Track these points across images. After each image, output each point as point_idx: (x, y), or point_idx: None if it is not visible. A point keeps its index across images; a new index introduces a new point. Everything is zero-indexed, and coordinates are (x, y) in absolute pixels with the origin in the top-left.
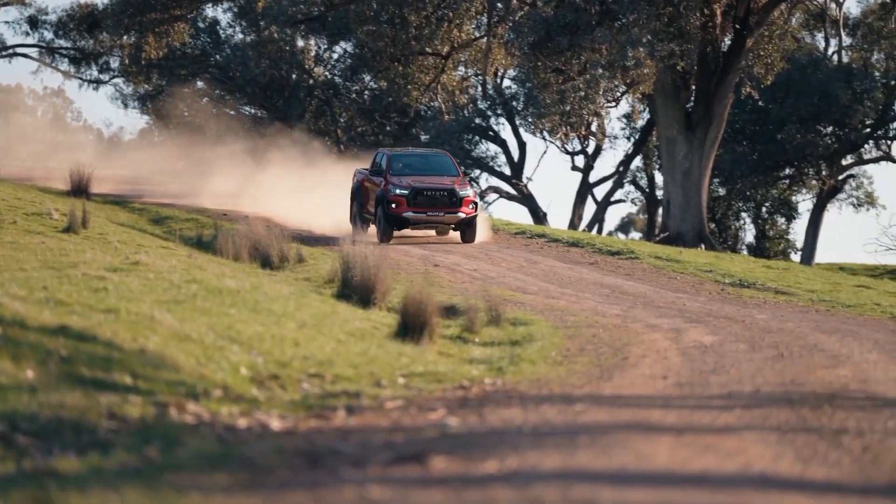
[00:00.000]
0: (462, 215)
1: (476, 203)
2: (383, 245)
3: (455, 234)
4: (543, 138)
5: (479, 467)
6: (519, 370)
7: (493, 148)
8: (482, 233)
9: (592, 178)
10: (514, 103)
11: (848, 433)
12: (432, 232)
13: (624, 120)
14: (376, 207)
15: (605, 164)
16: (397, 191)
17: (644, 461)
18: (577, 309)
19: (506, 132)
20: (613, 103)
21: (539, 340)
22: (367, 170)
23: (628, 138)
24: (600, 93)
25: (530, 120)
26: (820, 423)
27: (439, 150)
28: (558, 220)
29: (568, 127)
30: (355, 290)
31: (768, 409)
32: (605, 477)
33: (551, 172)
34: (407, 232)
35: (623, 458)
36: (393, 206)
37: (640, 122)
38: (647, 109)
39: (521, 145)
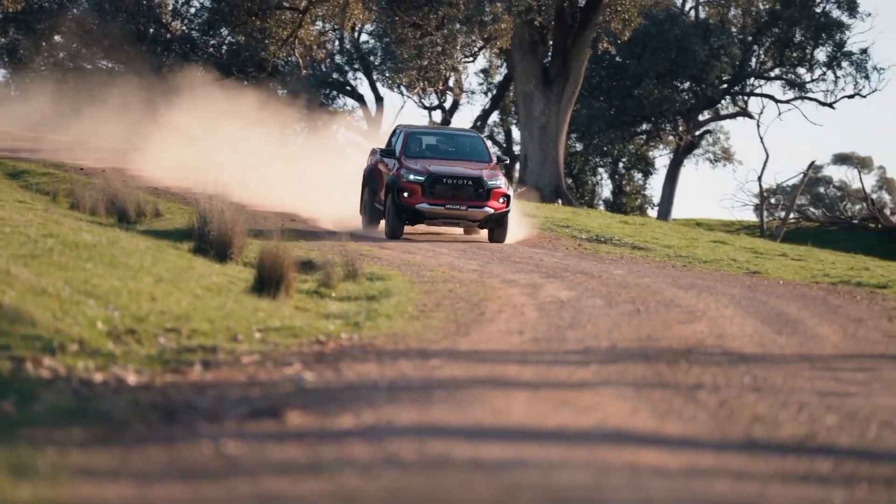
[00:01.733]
0: (490, 210)
1: (508, 197)
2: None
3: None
4: (401, 93)
5: (334, 422)
6: (375, 325)
7: (350, 103)
8: (520, 231)
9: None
10: (372, 58)
11: (704, 388)
12: (457, 230)
13: (481, 75)
14: (386, 196)
15: (463, 119)
16: (411, 176)
17: (500, 416)
18: (434, 264)
19: (363, 87)
20: (471, 58)
21: (396, 295)
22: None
23: (485, 93)
24: (458, 48)
25: (388, 75)
26: (676, 379)
27: (469, 131)
28: None
29: (425, 82)
30: (212, 244)
31: (625, 364)
32: (460, 432)
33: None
34: (421, 228)
35: (479, 414)
36: (405, 194)
37: (498, 78)
38: (505, 65)
39: (379, 100)
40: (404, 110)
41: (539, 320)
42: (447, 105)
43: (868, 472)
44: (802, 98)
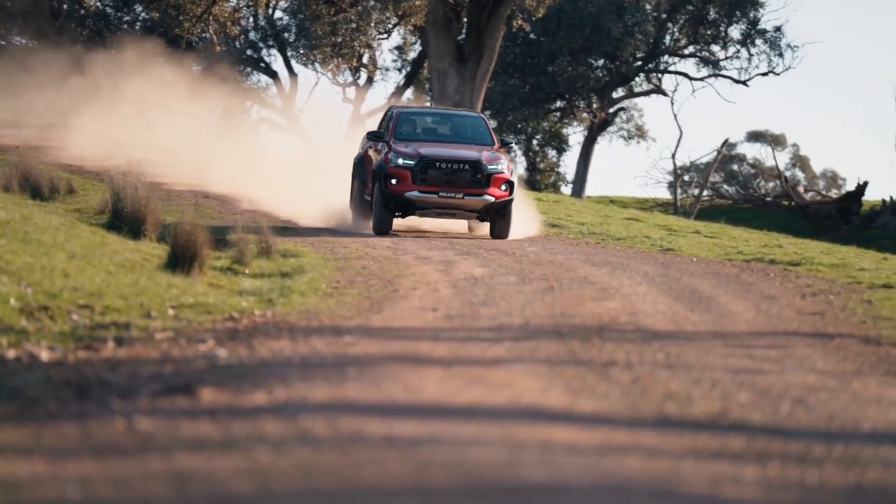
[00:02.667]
0: (490, 199)
1: (511, 183)
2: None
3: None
4: (315, 70)
5: (247, 399)
6: (289, 302)
7: (264, 79)
8: (526, 226)
9: (364, 109)
10: (286, 35)
11: (617, 366)
12: (460, 223)
13: (395, 52)
14: (373, 184)
15: (377, 96)
16: (399, 161)
17: (413, 393)
18: (348, 241)
19: (277, 64)
20: (385, 35)
21: (309, 272)
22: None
23: (399, 70)
24: (372, 24)
25: (302, 52)
26: (589, 356)
27: (470, 111)
28: (333, 151)
29: (339, 59)
30: (126, 221)
31: (538, 341)
32: (374, 409)
33: (323, 104)
34: (413, 222)
35: (392, 390)
36: (392, 181)
37: (412, 55)
38: (419, 41)
39: (293, 77)
40: (318, 87)
41: (453, 297)
42: (361, 82)
43: (780, 449)
44: (716, 76)
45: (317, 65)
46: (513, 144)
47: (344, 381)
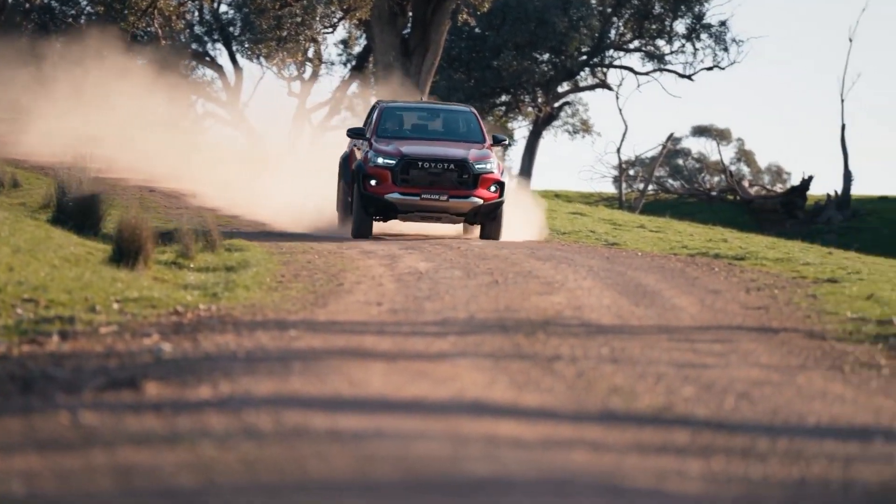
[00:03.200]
0: (477, 201)
1: (501, 184)
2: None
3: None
4: (260, 64)
5: (192, 393)
6: (234, 296)
7: (209, 73)
8: (526, 230)
9: (309, 104)
10: (231, 29)
11: (562, 360)
12: (454, 227)
13: (341, 46)
14: (352, 186)
15: (323, 91)
16: (379, 160)
17: (357, 387)
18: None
19: (222, 58)
20: (330, 29)
21: (254, 266)
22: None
23: (345, 64)
24: (317, 19)
25: (247, 46)
26: (534, 350)
27: (462, 105)
28: (278, 145)
29: (284, 53)
30: (70, 215)
31: (483, 335)
32: (318, 403)
33: (268, 98)
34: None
35: (336, 385)
36: (371, 182)
37: (357, 49)
38: (364, 36)
39: (238, 71)
40: (263, 81)
41: (397, 291)
42: (306, 76)
43: (725, 444)
44: (661, 70)
45: (262, 59)
46: (507, 141)
47: (288, 375)
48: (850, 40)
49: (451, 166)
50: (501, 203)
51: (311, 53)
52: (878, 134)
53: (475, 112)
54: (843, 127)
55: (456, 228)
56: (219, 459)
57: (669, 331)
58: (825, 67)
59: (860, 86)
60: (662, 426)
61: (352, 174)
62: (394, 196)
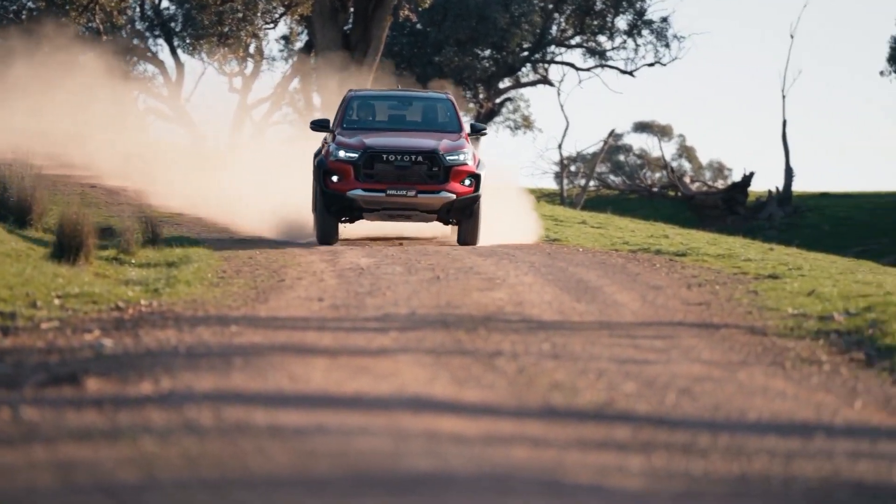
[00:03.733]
0: (449, 196)
1: (477, 177)
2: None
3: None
4: (202, 60)
5: (133, 388)
6: (175, 291)
7: (151, 69)
8: (516, 231)
9: (250, 99)
10: (173, 24)
11: (503, 356)
12: (442, 230)
13: (282, 42)
14: (314, 183)
15: (264, 86)
16: (341, 153)
17: (298, 383)
18: (234, 231)
19: (164, 53)
20: (272, 25)
21: (196, 262)
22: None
23: (286, 60)
24: (258, 14)
25: (189, 41)
26: (475, 346)
27: (438, 93)
28: (219, 140)
29: (226, 48)
30: (11, 210)
31: (424, 331)
32: (259, 398)
33: (210, 94)
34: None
35: (278, 380)
36: (333, 178)
37: (299, 44)
38: (306, 31)
39: (180, 67)
40: (205, 77)
41: (338, 287)
42: (248, 71)
43: (666, 440)
44: (603, 66)
45: (203, 54)
46: (486, 130)
47: (230, 371)
48: (792, 36)
49: (420, 158)
50: (477, 198)
51: (252, 49)
52: (819, 130)
53: (452, 99)
54: (785, 123)
55: (442, 231)
56: (160, 455)
57: (611, 327)
58: (766, 64)
59: (801, 82)
60: (603, 422)
61: (314, 170)
62: (356, 193)
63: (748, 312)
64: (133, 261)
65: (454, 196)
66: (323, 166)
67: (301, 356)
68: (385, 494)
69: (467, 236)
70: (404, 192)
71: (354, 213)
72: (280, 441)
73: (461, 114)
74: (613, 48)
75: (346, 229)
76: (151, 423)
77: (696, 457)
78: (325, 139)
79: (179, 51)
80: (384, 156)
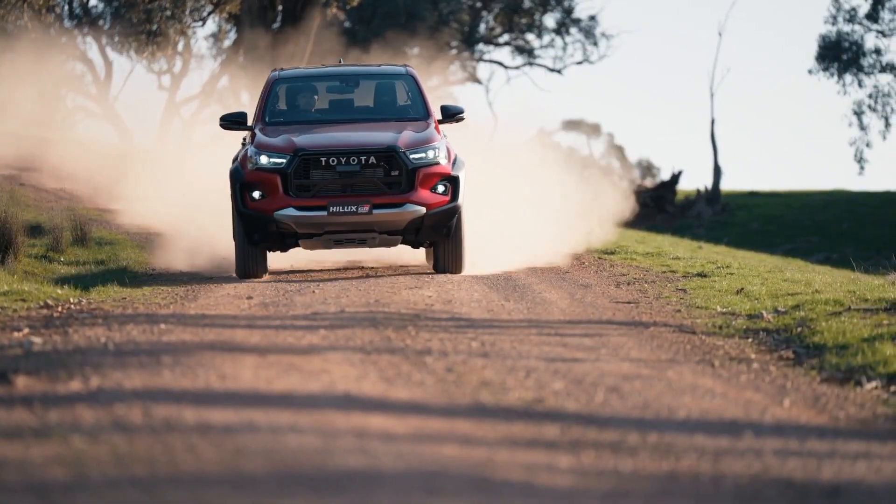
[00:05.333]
0: (417, 210)
1: (454, 180)
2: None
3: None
4: (130, 58)
5: (62, 386)
6: (104, 289)
7: (79, 67)
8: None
9: (179, 97)
10: (101, 22)
11: (432, 354)
12: (413, 256)
13: (211, 39)
14: (232, 201)
15: (193, 84)
16: (262, 160)
17: (228, 381)
18: (164, 228)
19: (92, 51)
20: (200, 22)
21: (125, 260)
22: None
23: (215, 58)
24: (187, 12)
25: (117, 39)
26: (404, 344)
27: (393, 65)
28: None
29: (154, 46)
30: None
31: (353, 329)
32: (189, 396)
33: (138, 92)
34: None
35: (207, 378)
36: (254, 195)
37: (227, 42)
38: (235, 29)
39: (108, 64)
40: (133, 75)
41: (267, 285)
42: (176, 69)
43: (595, 438)
44: (531, 64)
45: (132, 52)
46: (463, 114)
47: (159, 369)
48: (720, 35)
49: (373, 160)
50: (456, 210)
51: (180, 47)
52: (748, 129)
53: (414, 74)
54: (713, 122)
55: (414, 255)
56: (90, 453)
57: (539, 325)
58: (695, 62)
59: (730, 81)
60: (532, 420)
61: (230, 183)
62: (287, 213)
63: (677, 311)
64: (62, 258)
65: (423, 210)
66: (239, 178)
67: (230, 354)
68: (314, 492)
69: (447, 261)
70: (354, 209)
71: (286, 240)
72: (209, 439)
73: (427, 95)
74: (542, 46)
75: (281, 257)
76: (81, 422)
77: (624, 455)
78: (244, 140)
79: (108, 48)
80: (322, 159)
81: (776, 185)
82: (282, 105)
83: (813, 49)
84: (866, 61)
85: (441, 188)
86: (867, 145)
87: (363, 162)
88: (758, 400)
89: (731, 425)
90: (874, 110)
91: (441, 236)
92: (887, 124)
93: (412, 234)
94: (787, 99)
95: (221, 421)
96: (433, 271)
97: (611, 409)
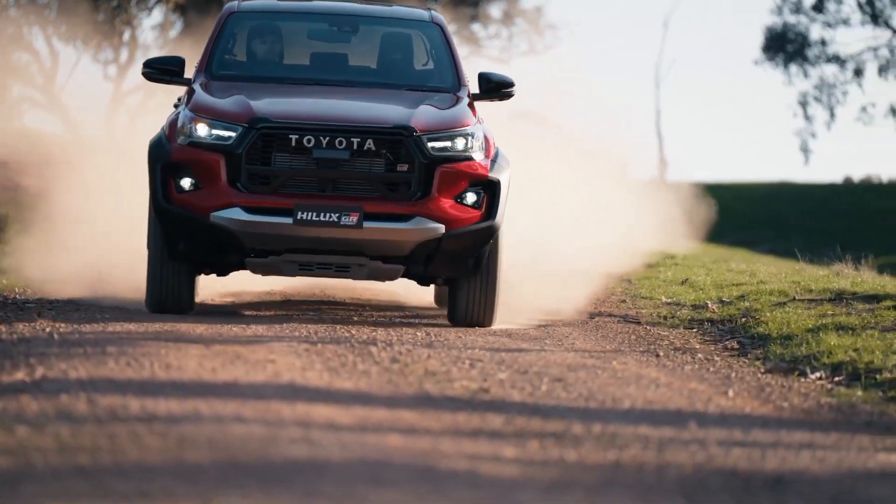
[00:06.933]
0: (431, 229)
1: (493, 188)
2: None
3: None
4: (76, 48)
5: (7, 376)
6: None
7: (24, 57)
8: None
9: (125, 87)
10: (48, 12)
11: (377, 344)
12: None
13: (157, 30)
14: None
15: (138, 75)
16: (199, 130)
17: (172, 371)
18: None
19: (39, 42)
20: (147, 13)
21: (74, 250)
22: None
23: (161, 49)
24: (133, 3)
25: (63, 29)
26: (349, 334)
27: (413, 7)
28: (95, 129)
29: (100, 36)
30: None
31: (298, 319)
32: (134, 386)
33: (84, 82)
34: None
35: (152, 368)
36: (183, 184)
37: (173, 33)
38: (181, 20)
39: (54, 55)
40: (80, 65)
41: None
42: (123, 60)
43: (539, 428)
44: (477, 55)
45: (78, 42)
46: (513, 89)
47: (104, 359)
48: (665, 26)
49: (370, 144)
50: (491, 233)
51: (126, 37)
52: (693, 120)
53: (443, 24)
54: (658, 113)
55: (419, 294)
56: (35, 443)
57: None
58: (641, 53)
59: (676, 72)
60: (477, 410)
61: (149, 167)
62: (231, 216)
63: (622, 301)
64: (6, 248)
65: (441, 227)
66: (162, 156)
67: (175, 344)
68: (258, 482)
69: (473, 308)
70: (335, 218)
71: (226, 257)
72: (154, 429)
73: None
74: (488, 37)
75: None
76: (26, 411)
77: (569, 445)
78: (178, 101)
79: (54, 39)
80: (293, 136)
81: (722, 177)
82: (238, 53)
83: (759, 40)
84: (812, 52)
85: (471, 197)
86: (812, 136)
87: (355, 146)
88: (702, 390)
89: (675, 415)
90: (819, 101)
91: (465, 271)
92: (832, 115)
93: (420, 265)
94: (734, 90)
95: (166, 411)
96: (448, 321)
97: (555, 400)
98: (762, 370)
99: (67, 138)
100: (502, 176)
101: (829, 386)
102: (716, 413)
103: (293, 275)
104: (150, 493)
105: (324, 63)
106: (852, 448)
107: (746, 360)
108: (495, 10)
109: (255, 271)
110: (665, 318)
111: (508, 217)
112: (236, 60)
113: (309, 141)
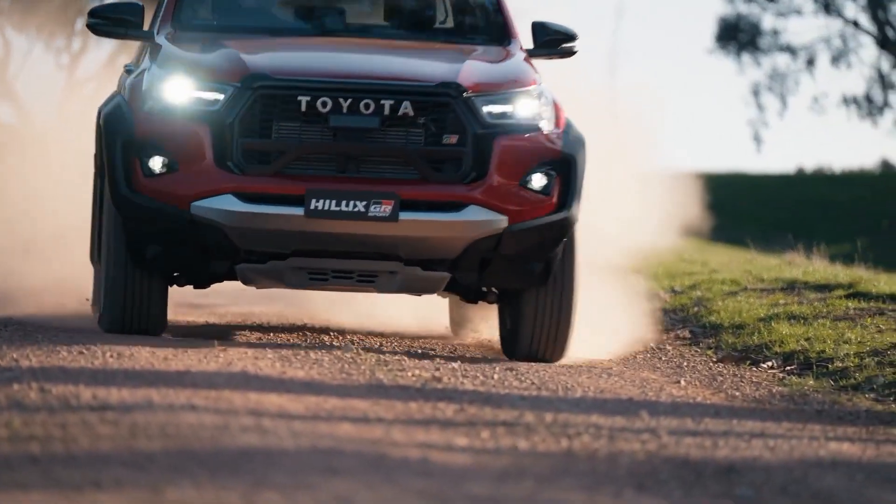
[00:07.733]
0: (490, 221)
1: (568, 166)
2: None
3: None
4: (29, 37)
5: None
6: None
7: None
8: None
9: (79, 76)
10: (2, 2)
11: (329, 333)
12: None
13: None
14: (99, 184)
15: (91, 63)
16: (175, 92)
17: (124, 360)
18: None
19: None
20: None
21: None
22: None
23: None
24: None
25: (16, 18)
26: (302, 323)
27: None
28: (48, 119)
29: (53, 25)
30: None
31: (250, 308)
32: (85, 375)
33: (37, 71)
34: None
35: (104, 357)
36: (152, 165)
37: None
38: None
39: (6, 44)
40: (33, 54)
41: None
42: (76, 48)
43: (491, 417)
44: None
45: (32, 31)
46: (575, 44)
47: (56, 348)
48: (618, 15)
49: (407, 108)
50: (566, 227)
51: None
52: (646, 109)
53: None
54: (612, 102)
55: (462, 316)
56: None
57: None
58: (593, 42)
59: (628, 61)
60: (429, 399)
61: (97, 144)
62: (220, 206)
63: None
64: None
65: (504, 220)
66: (122, 129)
67: (125, 334)
68: (210, 471)
69: (541, 334)
70: (361, 207)
71: (212, 262)
72: (106, 417)
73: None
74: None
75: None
76: None
77: (521, 434)
78: (128, 66)
79: (8, 29)
80: (302, 98)
81: (675, 166)
82: None
83: (712, 29)
84: (764, 41)
85: (541, 180)
86: (765, 125)
87: (386, 111)
88: (654, 379)
89: (627, 404)
90: (771, 90)
91: (530, 280)
92: (784, 104)
93: (472, 272)
94: (687, 79)
95: (118, 399)
96: (504, 356)
97: (507, 388)
98: (714, 359)
99: (18, 127)
100: (579, 154)
101: (781, 375)
102: (668, 402)
103: (301, 287)
104: (101, 481)
105: (331, 8)
106: (804, 437)
107: (698, 350)
108: None
109: (247, 282)
110: None
111: None
112: (215, 5)
113: (324, 104)
